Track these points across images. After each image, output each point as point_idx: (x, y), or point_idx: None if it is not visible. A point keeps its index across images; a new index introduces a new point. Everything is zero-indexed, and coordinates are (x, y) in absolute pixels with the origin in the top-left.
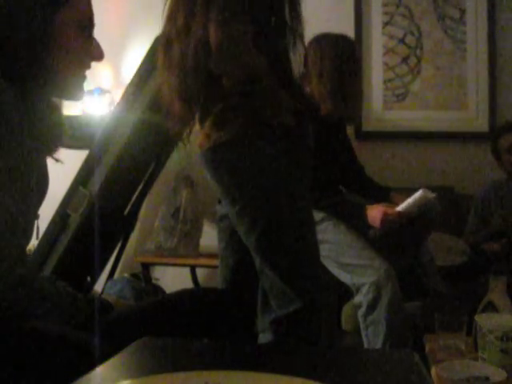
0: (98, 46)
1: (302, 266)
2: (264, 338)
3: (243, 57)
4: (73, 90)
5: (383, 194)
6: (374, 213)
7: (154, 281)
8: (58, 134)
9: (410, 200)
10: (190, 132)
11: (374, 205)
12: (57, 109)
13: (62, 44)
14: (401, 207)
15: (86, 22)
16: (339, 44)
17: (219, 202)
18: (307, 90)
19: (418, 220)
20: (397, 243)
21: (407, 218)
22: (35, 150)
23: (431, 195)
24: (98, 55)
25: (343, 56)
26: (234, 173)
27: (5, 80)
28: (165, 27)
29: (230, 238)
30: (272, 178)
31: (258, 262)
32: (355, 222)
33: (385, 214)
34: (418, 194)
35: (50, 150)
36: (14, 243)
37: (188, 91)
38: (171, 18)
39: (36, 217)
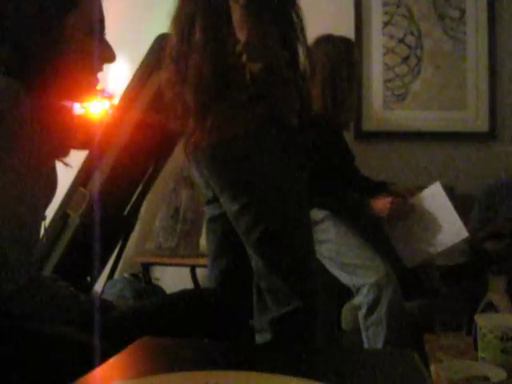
0: (109, 47)
1: (301, 265)
2: (262, 337)
3: (270, 47)
4: (85, 92)
5: (382, 189)
6: (382, 203)
7: (154, 281)
8: (69, 138)
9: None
10: None
11: (380, 197)
12: (68, 112)
13: (73, 48)
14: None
15: (97, 25)
16: (336, 47)
17: (207, 203)
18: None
19: None
20: None
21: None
22: (45, 154)
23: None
24: (110, 57)
25: (338, 59)
26: (238, 170)
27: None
28: (177, 42)
29: (223, 239)
30: (277, 177)
31: (256, 260)
32: (356, 219)
33: (392, 202)
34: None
35: (60, 154)
36: (21, 246)
37: (204, 106)
38: (184, 33)
39: (43, 218)
